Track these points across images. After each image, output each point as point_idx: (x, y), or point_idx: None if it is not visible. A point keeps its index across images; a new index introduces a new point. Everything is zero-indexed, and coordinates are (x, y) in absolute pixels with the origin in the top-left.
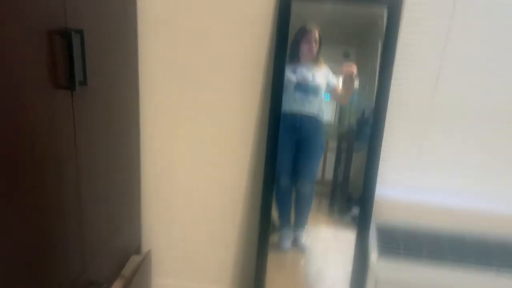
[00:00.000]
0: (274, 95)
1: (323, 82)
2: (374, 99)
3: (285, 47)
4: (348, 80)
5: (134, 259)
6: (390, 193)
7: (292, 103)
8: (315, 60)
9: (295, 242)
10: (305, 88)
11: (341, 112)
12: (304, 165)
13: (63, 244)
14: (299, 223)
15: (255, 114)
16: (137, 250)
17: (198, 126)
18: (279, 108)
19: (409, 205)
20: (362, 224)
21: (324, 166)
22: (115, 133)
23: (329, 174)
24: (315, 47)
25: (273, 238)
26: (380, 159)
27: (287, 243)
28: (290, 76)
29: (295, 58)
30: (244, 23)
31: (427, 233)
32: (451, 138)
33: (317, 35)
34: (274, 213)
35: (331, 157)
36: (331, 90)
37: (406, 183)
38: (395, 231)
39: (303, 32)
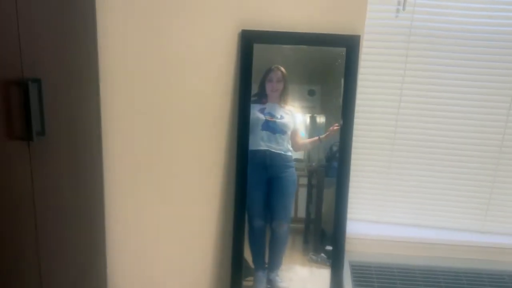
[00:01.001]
0: (240, 133)
1: (291, 121)
2: (339, 135)
3: (248, 86)
4: (330, 136)
5: None
6: (361, 229)
7: (260, 142)
8: (282, 100)
9: (271, 285)
10: (273, 126)
11: (309, 150)
12: (278, 204)
13: None
14: (274, 265)
15: (222, 153)
16: None
17: (164, 170)
18: (246, 145)
19: (381, 240)
20: (335, 261)
21: (296, 203)
22: (77, 182)
23: (302, 211)
24: (278, 85)
25: (248, 282)
26: (349, 196)
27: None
28: (258, 114)
29: (263, 98)
30: (208, 64)
31: (400, 267)
32: (416, 170)
33: (280, 74)
34: (249, 255)
35: (302, 194)
36: (294, 132)
37: (377, 218)
38: (369, 267)
39: (267, 72)
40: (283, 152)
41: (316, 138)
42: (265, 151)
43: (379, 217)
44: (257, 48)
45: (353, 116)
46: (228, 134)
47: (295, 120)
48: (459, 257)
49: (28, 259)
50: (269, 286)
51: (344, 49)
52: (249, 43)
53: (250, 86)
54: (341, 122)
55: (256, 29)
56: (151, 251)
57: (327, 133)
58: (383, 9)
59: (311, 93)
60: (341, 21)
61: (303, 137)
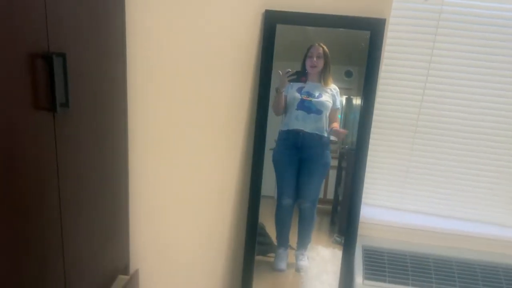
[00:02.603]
0: (259, 113)
1: (329, 100)
2: (358, 120)
3: (269, 66)
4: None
5: (121, 279)
6: (377, 214)
7: (294, 121)
8: (322, 78)
9: (295, 262)
10: (308, 105)
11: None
12: (306, 184)
13: (43, 265)
14: (300, 243)
15: (242, 132)
16: (125, 270)
17: (186, 146)
18: (264, 126)
19: (396, 227)
20: (347, 243)
21: (326, 184)
22: (101, 155)
23: (331, 193)
24: (318, 61)
25: (270, 258)
26: (365, 180)
27: (282, 265)
28: (295, 94)
29: (302, 76)
30: (232, 42)
31: (413, 255)
32: (437, 159)
33: (320, 50)
34: (273, 233)
35: (332, 176)
36: (333, 111)
37: (393, 204)
38: (381, 253)
39: (309, 48)
40: (317, 132)
41: (344, 130)
42: (296, 131)
43: (397, 203)
44: (280, 29)
45: (373, 99)
46: (250, 114)
47: (336, 100)
48: (477, 249)
49: (51, 226)
50: (289, 262)
51: (369, 32)
52: (273, 23)
53: (271, 66)
54: (362, 103)
55: (280, 9)
56: (171, 224)
57: (337, 129)
58: None
59: (348, 74)
60: (367, 3)
61: (340, 119)
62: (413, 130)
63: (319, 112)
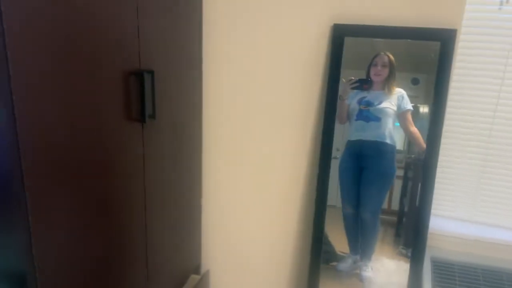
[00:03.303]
0: (326, 124)
1: (391, 107)
2: (426, 127)
3: (337, 78)
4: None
5: (193, 279)
6: (446, 226)
7: (354, 132)
8: (386, 86)
9: (359, 273)
10: (366, 115)
11: (410, 141)
12: (365, 192)
13: (129, 262)
14: (363, 253)
15: (308, 142)
16: (196, 270)
17: (257, 155)
18: (331, 137)
19: (467, 239)
20: (415, 255)
21: (391, 194)
22: (180, 160)
23: (396, 204)
24: (382, 70)
25: (336, 265)
26: (434, 191)
27: (345, 266)
28: (354, 105)
29: (365, 84)
30: (301, 55)
31: (485, 269)
32: (511, 169)
33: (386, 59)
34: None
35: (398, 186)
36: (402, 115)
37: (464, 216)
38: (452, 265)
39: (374, 57)
40: (378, 140)
41: (422, 142)
42: (357, 141)
43: (468, 215)
44: (348, 41)
45: (444, 109)
46: (317, 123)
47: (401, 104)
48: None
49: (137, 227)
50: (352, 271)
51: (439, 43)
52: (341, 36)
53: (339, 77)
54: (431, 112)
55: (348, 23)
56: (241, 227)
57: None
58: (484, 1)
59: (414, 81)
60: (436, 14)
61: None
62: (486, 140)
63: (377, 119)
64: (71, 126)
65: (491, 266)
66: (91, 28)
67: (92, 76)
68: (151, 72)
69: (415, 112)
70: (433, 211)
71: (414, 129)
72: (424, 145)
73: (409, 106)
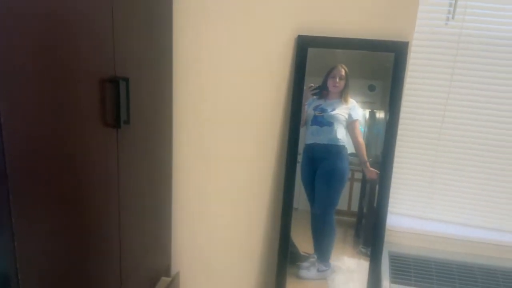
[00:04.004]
0: (291, 127)
1: (344, 114)
2: (384, 131)
3: (301, 86)
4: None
5: (164, 281)
6: (402, 222)
7: (310, 136)
8: (342, 97)
9: (319, 271)
10: (320, 120)
11: (367, 143)
12: (317, 191)
13: (104, 265)
14: (320, 255)
15: (275, 148)
16: (167, 272)
17: (225, 159)
18: (296, 139)
19: (421, 234)
20: (374, 253)
21: (350, 196)
22: (152, 165)
23: (355, 205)
24: (339, 82)
25: (300, 265)
26: (391, 190)
27: (307, 273)
28: (310, 111)
29: (323, 94)
30: (267, 66)
31: (437, 262)
32: (459, 169)
33: (343, 72)
34: (298, 242)
35: (357, 188)
36: (351, 124)
37: (418, 213)
38: (407, 259)
39: (332, 69)
40: (332, 143)
41: (366, 160)
42: (313, 144)
43: (422, 212)
44: (311, 51)
45: (398, 114)
46: (283, 128)
47: (352, 113)
48: (499, 256)
49: (111, 230)
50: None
51: (393, 54)
52: (305, 47)
53: (303, 85)
54: (387, 118)
55: (311, 34)
56: (210, 230)
57: (368, 169)
58: (433, 16)
59: (371, 88)
60: (392, 27)
61: (362, 132)
62: (436, 143)
63: (330, 124)
64: (46, 132)
65: (443, 259)
66: (66, 35)
67: (68, 83)
68: (126, 79)
69: (373, 117)
70: (390, 209)
71: (361, 140)
72: (366, 158)
73: (357, 116)
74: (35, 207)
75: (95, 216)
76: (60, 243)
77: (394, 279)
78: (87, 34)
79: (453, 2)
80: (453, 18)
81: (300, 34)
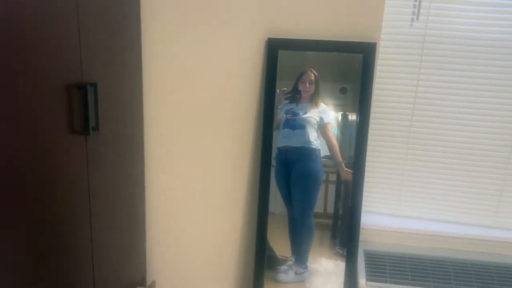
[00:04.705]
0: (264, 131)
1: (315, 117)
2: (353, 134)
3: (273, 89)
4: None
5: None
6: (376, 221)
7: (282, 139)
8: (313, 100)
9: (296, 274)
10: (292, 123)
11: (340, 145)
12: (294, 194)
13: (76, 277)
14: (297, 257)
15: (249, 148)
16: (142, 282)
17: (199, 165)
18: (270, 143)
19: (394, 231)
20: (349, 253)
21: (325, 198)
22: (123, 171)
23: (331, 207)
24: (310, 87)
25: (278, 269)
26: (364, 189)
27: (285, 276)
28: (282, 115)
29: (295, 99)
30: (238, 68)
31: (411, 257)
32: (429, 166)
33: (312, 77)
34: (275, 246)
35: (332, 190)
36: (323, 127)
37: (391, 211)
38: (382, 256)
39: (302, 74)
40: (305, 145)
41: (341, 161)
42: (284, 147)
43: (394, 210)
44: (282, 54)
45: (369, 115)
46: (256, 132)
47: (324, 117)
48: (469, 250)
49: (83, 240)
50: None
51: (361, 55)
52: (275, 49)
53: (274, 88)
54: (358, 119)
55: (281, 37)
56: (185, 238)
57: (343, 169)
58: (398, 18)
59: (342, 91)
60: (359, 29)
61: (335, 134)
62: (406, 141)
63: (302, 127)
64: (8, 143)
65: (417, 255)
66: (24, 41)
67: (30, 90)
68: (94, 85)
69: (345, 119)
70: (364, 208)
71: (335, 142)
72: (340, 159)
73: (328, 119)
74: (0, 219)
75: (64, 226)
76: (28, 255)
77: (370, 277)
78: (49, 39)
79: (417, 3)
80: (417, 19)
81: (270, 37)
